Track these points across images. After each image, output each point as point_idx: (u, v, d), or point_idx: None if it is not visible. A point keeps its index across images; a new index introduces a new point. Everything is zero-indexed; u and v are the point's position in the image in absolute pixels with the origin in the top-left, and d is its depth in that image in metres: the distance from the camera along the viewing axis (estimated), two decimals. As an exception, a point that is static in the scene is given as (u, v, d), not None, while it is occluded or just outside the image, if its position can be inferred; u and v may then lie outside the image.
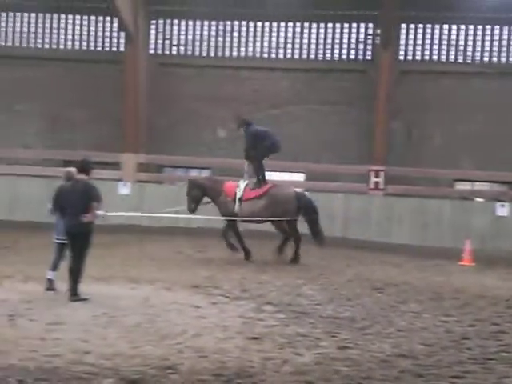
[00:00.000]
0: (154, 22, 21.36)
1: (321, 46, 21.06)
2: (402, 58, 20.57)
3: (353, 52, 20.91)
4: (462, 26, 20.43)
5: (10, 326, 6.99)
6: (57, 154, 20.56)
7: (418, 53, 20.68)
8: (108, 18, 21.22)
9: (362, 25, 20.74)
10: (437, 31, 20.57)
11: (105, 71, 20.87)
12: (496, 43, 20.34)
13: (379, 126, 19.53)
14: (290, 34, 21.18)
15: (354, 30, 20.84)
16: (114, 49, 21.45)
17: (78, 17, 21.55)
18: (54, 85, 21.04)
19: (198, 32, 21.50)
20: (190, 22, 21.49)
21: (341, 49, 20.99)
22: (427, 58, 20.63)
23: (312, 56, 21.08)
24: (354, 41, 20.85)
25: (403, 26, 20.51)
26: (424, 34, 20.61)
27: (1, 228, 17.21)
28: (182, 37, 21.60)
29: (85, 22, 21.59)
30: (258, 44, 21.28)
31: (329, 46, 21.04)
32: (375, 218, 18.88)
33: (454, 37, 20.49)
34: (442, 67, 20.34)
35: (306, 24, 21.02)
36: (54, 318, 7.39)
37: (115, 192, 18.93)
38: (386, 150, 19.50)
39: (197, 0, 20.48)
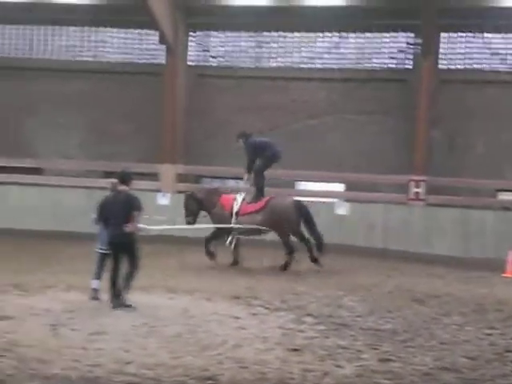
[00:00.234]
0: (192, 33, 21.57)
1: (359, 56, 20.97)
2: (442, 66, 20.33)
3: (392, 61, 20.77)
4: (505, 35, 20.11)
5: (53, 336, 7.09)
6: (98, 165, 20.89)
7: (460, 61, 20.45)
8: (148, 31, 21.46)
9: (402, 34, 20.59)
10: (479, 40, 20.30)
11: (145, 83, 21.13)
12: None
13: (419, 135, 19.31)
14: (327, 44, 21.15)
15: (393, 40, 20.72)
16: (154, 61, 21.68)
17: (119, 30, 21.91)
18: (96, 97, 21.41)
19: (235, 43, 21.64)
20: (228, 34, 21.64)
21: (380, 58, 20.87)
22: (469, 66, 20.35)
23: (350, 66, 20.99)
24: (393, 50, 20.71)
25: (444, 34, 20.30)
26: (465, 42, 20.36)
27: (44, 238, 17.51)
28: (220, 48, 21.76)
29: (125, 35, 21.93)
30: (297, 54, 21.29)
31: (368, 56, 20.95)
32: (416, 229, 18.61)
33: (496, 45, 20.19)
34: (485, 76, 20.01)
35: (345, 34, 20.97)
36: (95, 327, 7.47)
37: (154, 202, 19.09)
38: (427, 160, 19.26)
39: (234, 11, 20.59)
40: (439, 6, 19.14)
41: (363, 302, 9.92)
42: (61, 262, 13.42)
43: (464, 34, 20.39)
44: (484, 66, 20.32)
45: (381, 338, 7.53)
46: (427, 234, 18.52)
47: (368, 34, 20.85)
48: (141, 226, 8.90)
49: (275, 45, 21.42)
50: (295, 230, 13.56)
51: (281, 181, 20.15)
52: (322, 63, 21.18)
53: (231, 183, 20.79)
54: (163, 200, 19.54)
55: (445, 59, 20.44)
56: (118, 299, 8.59)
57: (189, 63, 21.47)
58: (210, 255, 13.65)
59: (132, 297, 8.92)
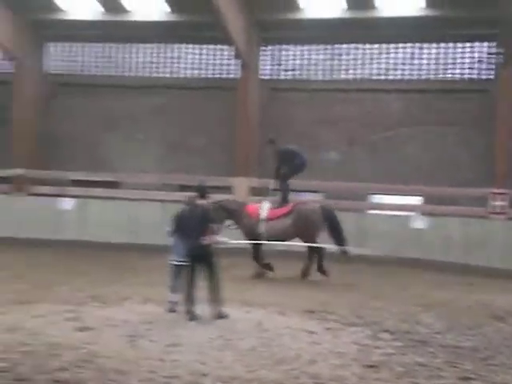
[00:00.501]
0: (265, 47, 21.71)
1: (437, 67, 20.55)
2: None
3: (472, 71, 20.26)
4: None
5: (131, 347, 7.20)
6: (173, 178, 21.28)
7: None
8: (222, 47, 21.76)
9: (482, 44, 20.08)
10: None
11: (219, 97, 21.41)
12: None
13: (501, 146, 18.70)
14: (402, 55, 20.84)
15: (472, 49, 20.22)
16: (228, 76, 21.96)
17: (194, 46, 22.30)
18: (171, 112, 21.86)
19: (308, 56, 21.63)
20: (301, 47, 21.67)
21: (459, 69, 20.40)
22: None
23: (427, 77, 20.60)
24: (473, 60, 20.20)
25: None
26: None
27: (121, 250, 17.92)
28: (293, 61, 21.81)
29: (200, 51, 22.30)
30: (371, 66, 21.06)
31: (446, 67, 20.51)
32: (497, 244, 17.93)
33: None
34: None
35: (419, 45, 20.63)
36: (172, 339, 7.56)
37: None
38: (508, 172, 18.62)
39: (307, 25, 20.58)
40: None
41: (441, 318, 9.65)
42: (137, 274, 13.67)
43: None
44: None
45: (461, 356, 7.30)
46: (509, 248, 17.84)
47: (445, 44, 20.42)
48: (219, 238, 9.06)
49: (348, 57, 21.28)
50: (317, 235, 13.80)
51: (354, 194, 20.01)
52: (398, 74, 20.87)
53: (306, 196, 20.69)
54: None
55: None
56: (192, 312, 8.70)
57: (262, 77, 21.60)
58: (268, 268, 13.94)
59: (207, 309, 8.97)
